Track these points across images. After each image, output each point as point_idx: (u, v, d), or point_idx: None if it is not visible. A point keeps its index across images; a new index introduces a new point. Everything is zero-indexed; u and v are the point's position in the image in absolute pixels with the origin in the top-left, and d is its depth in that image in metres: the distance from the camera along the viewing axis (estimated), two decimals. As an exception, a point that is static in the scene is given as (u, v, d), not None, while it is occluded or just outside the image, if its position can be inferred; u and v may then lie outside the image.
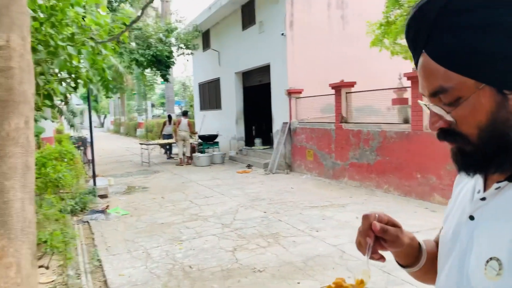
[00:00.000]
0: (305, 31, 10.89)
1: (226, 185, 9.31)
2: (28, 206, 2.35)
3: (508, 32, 0.64)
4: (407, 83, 7.69)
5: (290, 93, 10.72)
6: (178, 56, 15.29)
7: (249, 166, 12.16)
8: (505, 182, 0.71)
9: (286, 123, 10.96)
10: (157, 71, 15.08)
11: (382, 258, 0.88)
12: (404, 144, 7.32)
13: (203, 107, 18.10)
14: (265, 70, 12.40)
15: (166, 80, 15.51)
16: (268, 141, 14.72)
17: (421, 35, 0.71)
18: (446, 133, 0.74)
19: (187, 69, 48.98)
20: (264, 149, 13.29)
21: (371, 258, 0.87)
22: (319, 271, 4.17)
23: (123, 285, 4.04)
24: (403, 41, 8.92)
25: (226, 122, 15.35)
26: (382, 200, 7.29)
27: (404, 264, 0.96)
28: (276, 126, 11.66)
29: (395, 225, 0.88)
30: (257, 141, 14.02)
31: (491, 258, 0.69)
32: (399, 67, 9.05)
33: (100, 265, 4.59)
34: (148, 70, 16.15)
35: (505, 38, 0.64)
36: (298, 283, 3.92)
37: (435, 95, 0.72)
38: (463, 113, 0.69)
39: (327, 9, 11.16)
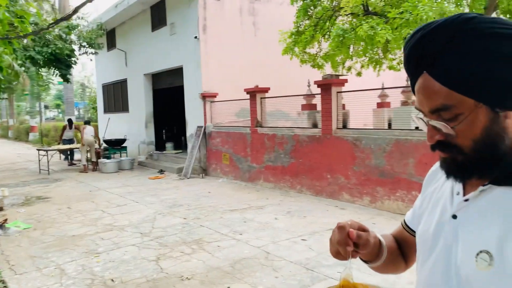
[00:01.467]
0: (218, 36, 10.96)
1: (139, 192, 8.93)
2: None
3: (507, 61, 0.74)
4: (316, 90, 8.18)
5: (204, 96, 10.69)
6: (80, 55, 14.27)
7: (161, 171, 11.81)
8: (489, 185, 0.82)
9: (201, 126, 10.90)
10: (56, 71, 13.86)
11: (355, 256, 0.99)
12: (315, 147, 7.78)
13: (108, 109, 17.12)
14: (177, 72, 12.18)
15: (66, 80, 14.34)
16: (180, 145, 14.46)
17: (426, 57, 0.79)
18: (442, 144, 0.83)
19: (85, 68, 45.78)
20: (176, 153, 13.03)
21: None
22: (247, 273, 4.24)
23: (36, 307, 3.66)
24: (311, 50, 9.50)
25: (134, 125, 14.72)
26: (296, 200, 7.64)
27: (367, 260, 1.06)
28: (190, 130, 11.52)
29: (364, 229, 0.99)
30: (169, 145, 13.69)
31: (481, 251, 0.79)
32: (308, 75, 9.59)
33: (5, 286, 4.09)
34: (45, 69, 14.78)
35: (504, 65, 0.74)
36: (228, 287, 3.93)
37: (436, 112, 0.81)
38: (463, 127, 0.78)
39: (239, 15, 11.36)
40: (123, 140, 13.73)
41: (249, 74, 10.79)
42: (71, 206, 7.62)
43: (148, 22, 13.17)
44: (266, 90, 9.21)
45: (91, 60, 16.44)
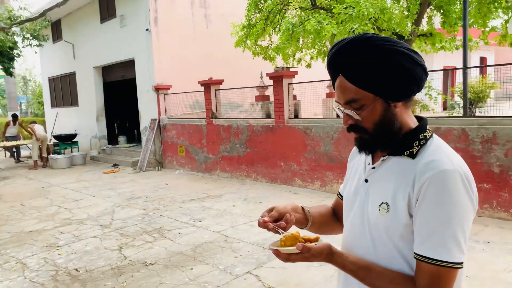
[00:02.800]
0: (170, 28, 10.98)
1: (94, 186, 8.88)
2: None
3: (397, 69, 1.06)
4: (269, 81, 8.51)
5: (158, 89, 10.71)
6: (24, 47, 13.68)
7: (115, 165, 11.71)
8: (387, 156, 1.16)
9: (155, 119, 10.92)
10: (-3, 64, 13.20)
11: (285, 227, 1.22)
12: (269, 137, 8.13)
13: (56, 104, 16.53)
14: (128, 65, 12.05)
15: (10, 74, 13.69)
16: (133, 138, 14.35)
17: (341, 64, 1.11)
18: (354, 127, 1.15)
19: (26, 61, 43.31)
20: (130, 147, 12.94)
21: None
22: (208, 256, 4.51)
23: (1, 299, 3.72)
24: (263, 42, 9.82)
25: (85, 119, 14.37)
26: (252, 188, 7.98)
27: (301, 227, 1.34)
28: (144, 122, 11.50)
29: (271, 210, 1.25)
30: (122, 139, 13.54)
31: (382, 203, 1.12)
32: (260, 66, 9.91)
33: (-35, 283, 4.08)
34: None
35: (392, 70, 1.06)
36: (191, 269, 4.18)
37: (348, 103, 1.12)
38: (366, 114, 1.10)
39: (190, 7, 11.43)
40: (74, 135, 13.40)
41: (202, 66, 10.94)
42: (24, 203, 7.48)
43: (97, 13, 12.86)
44: (220, 82, 9.42)
45: (35, 52, 15.76)
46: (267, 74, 8.15)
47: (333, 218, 1.46)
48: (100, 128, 13.88)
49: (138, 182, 9.20)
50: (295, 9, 9.42)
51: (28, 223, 6.15)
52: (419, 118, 1.18)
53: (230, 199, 7.14)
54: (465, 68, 6.30)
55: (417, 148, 1.11)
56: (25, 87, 42.55)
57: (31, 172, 11.39)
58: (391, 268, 1.11)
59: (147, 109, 11.33)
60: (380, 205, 1.12)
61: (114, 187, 8.70)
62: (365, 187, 1.20)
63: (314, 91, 8.37)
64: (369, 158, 1.22)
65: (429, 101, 8.05)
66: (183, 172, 10.19)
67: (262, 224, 1.21)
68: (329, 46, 9.80)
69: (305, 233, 1.26)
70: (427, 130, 1.14)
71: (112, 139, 14.14)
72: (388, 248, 1.12)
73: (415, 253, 1.06)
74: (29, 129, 12.20)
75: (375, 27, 7.41)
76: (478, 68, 11.19)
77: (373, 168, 1.19)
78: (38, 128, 12.14)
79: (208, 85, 9.39)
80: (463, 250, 1.02)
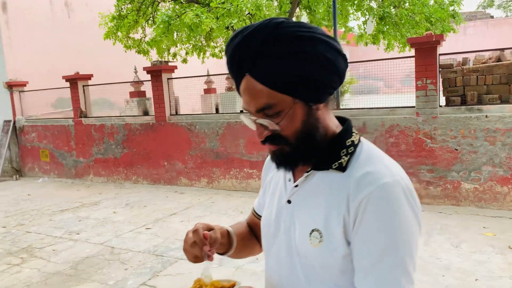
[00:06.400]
0: (24, 16, 9.53)
1: None
2: None
3: (319, 63, 0.84)
4: (144, 76, 8.03)
5: (11, 85, 9.22)
6: None
7: (-43, 177, 9.76)
8: (311, 171, 0.93)
9: (9, 121, 9.38)
10: None
11: (211, 257, 0.98)
12: (150, 135, 7.67)
13: None
14: (-32, 58, 10.11)
15: None
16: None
17: (246, 60, 0.84)
18: (271, 139, 0.90)
19: None
20: (-24, 154, 10.92)
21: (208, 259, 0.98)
22: (94, 272, 4.00)
23: None
24: (135, 35, 9.21)
25: None
26: (133, 191, 7.43)
27: (221, 252, 1.07)
28: (-6, 125, 9.80)
29: (210, 228, 1.01)
30: (-37, 145, 11.35)
31: (313, 230, 0.90)
32: (133, 61, 9.28)
33: None
34: None
35: (315, 65, 0.83)
36: (75, 290, 3.66)
37: (260, 111, 0.86)
38: (286, 122, 0.86)
39: (47, -6, 10.11)
40: None
41: (66, 60, 9.79)
42: None
43: None
44: (88, 77, 8.54)
45: None
46: (144, 68, 7.66)
47: (252, 238, 1.20)
48: None
49: (-9, 195, 7.80)
50: (169, 1, 9.05)
51: None
52: (341, 119, 0.98)
53: (110, 205, 6.52)
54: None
55: (346, 158, 0.90)
56: None
57: None
58: None
59: (-2, 109, 9.69)
60: (310, 233, 0.90)
61: (-41, 204, 7.21)
62: (289, 210, 0.97)
63: (192, 87, 8.18)
64: (290, 173, 0.99)
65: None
66: (49, 180, 9.00)
67: (200, 236, 0.96)
68: (205, 42, 9.69)
69: (218, 276, 1.00)
70: (353, 133, 0.94)
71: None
72: (325, 285, 0.91)
73: None
74: None
75: (252, 23, 7.54)
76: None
77: (296, 186, 0.96)
78: None
79: (75, 81, 8.42)
80: (413, 280, 0.85)
